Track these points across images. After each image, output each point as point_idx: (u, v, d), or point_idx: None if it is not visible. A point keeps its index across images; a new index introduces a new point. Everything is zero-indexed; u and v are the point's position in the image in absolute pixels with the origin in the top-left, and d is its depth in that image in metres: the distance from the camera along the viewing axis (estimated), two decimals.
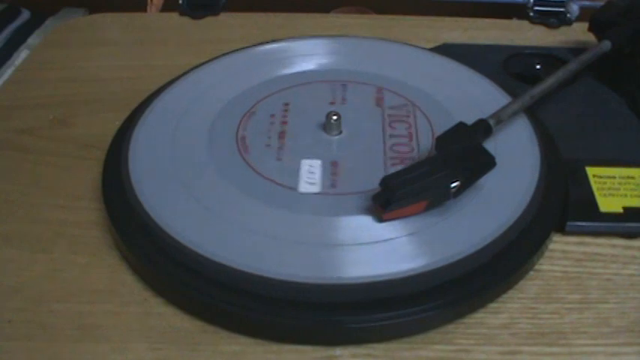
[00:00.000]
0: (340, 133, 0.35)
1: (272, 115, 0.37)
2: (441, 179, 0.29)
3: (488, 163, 0.31)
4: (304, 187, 0.32)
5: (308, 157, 0.34)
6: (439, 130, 0.33)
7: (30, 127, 0.40)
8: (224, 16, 0.52)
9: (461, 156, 0.31)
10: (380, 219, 0.30)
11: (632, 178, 0.34)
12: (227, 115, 0.37)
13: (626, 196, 0.33)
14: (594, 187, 0.33)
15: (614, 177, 0.34)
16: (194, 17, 0.52)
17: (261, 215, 0.30)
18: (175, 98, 0.38)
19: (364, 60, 0.42)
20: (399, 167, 0.32)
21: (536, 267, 0.30)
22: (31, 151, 0.38)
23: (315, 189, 0.32)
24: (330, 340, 0.27)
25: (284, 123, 0.37)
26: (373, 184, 0.31)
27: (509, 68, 0.44)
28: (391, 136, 0.35)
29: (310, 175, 0.32)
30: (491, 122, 0.33)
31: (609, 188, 0.33)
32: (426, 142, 0.35)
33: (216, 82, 0.40)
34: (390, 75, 0.40)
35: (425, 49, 0.44)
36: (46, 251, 0.31)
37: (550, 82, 0.37)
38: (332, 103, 0.38)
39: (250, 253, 0.28)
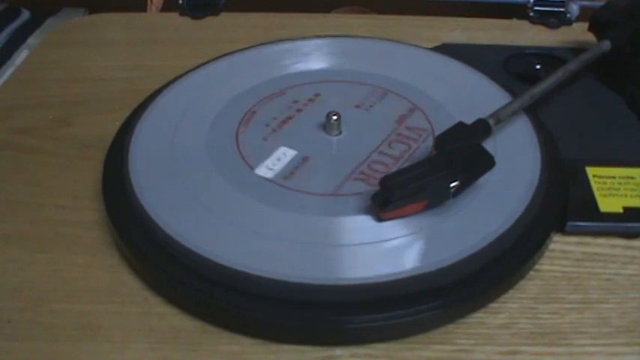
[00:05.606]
0: (339, 134, 0.35)
1: (295, 101, 0.37)
2: (441, 179, 0.29)
3: (487, 162, 0.31)
4: (262, 170, 0.32)
5: (288, 146, 0.34)
6: None
7: (30, 127, 0.40)
8: (224, 16, 0.52)
9: (460, 156, 0.30)
10: (379, 218, 0.30)
11: (632, 178, 0.34)
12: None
13: (626, 196, 0.33)
14: (594, 187, 0.33)
15: (614, 177, 0.34)
16: (194, 17, 0.52)
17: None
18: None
19: (417, 73, 0.40)
20: (359, 183, 0.31)
21: (536, 267, 0.30)
22: (31, 151, 0.38)
23: (269, 175, 0.32)
24: (330, 340, 0.27)
25: (299, 110, 0.37)
26: (324, 189, 0.31)
27: (509, 68, 0.44)
28: (381, 153, 0.34)
29: (275, 162, 0.33)
30: (491, 122, 0.33)
31: (609, 188, 0.33)
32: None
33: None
34: (431, 95, 0.39)
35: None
36: (46, 251, 0.31)
37: (550, 82, 0.37)
38: (357, 107, 0.38)
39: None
